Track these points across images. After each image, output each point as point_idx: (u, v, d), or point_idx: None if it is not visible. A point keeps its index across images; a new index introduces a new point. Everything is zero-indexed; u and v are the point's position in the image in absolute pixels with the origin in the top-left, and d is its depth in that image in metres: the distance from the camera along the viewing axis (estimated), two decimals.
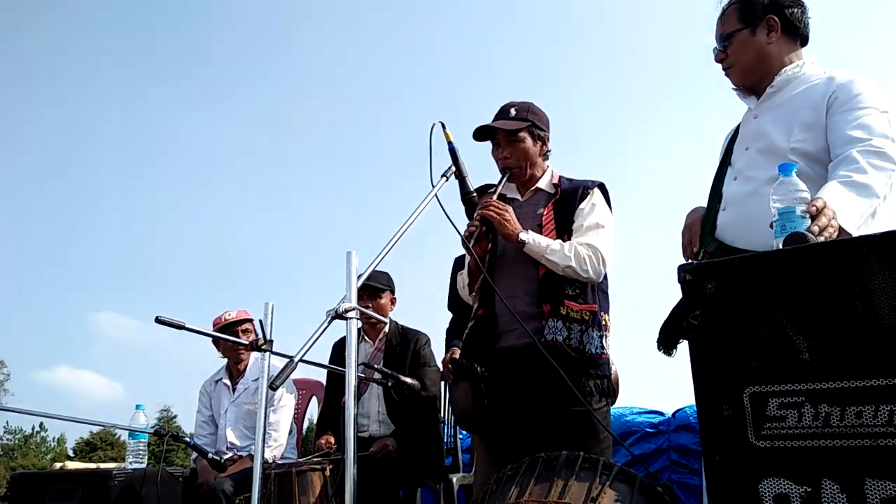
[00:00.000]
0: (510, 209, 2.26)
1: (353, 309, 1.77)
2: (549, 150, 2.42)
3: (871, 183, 1.55)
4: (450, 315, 3.19)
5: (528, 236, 2.20)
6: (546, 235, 2.25)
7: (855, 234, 1.47)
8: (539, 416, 2.14)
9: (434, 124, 2.04)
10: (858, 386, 1.06)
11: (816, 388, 1.09)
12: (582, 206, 2.28)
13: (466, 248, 2.19)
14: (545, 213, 2.30)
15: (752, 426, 1.14)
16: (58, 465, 3.13)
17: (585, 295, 2.22)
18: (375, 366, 2.57)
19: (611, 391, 2.23)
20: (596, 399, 2.16)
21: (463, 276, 2.42)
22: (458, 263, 3.26)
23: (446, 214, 2.12)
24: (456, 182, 2.12)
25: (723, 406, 1.16)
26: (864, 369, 1.06)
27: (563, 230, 2.26)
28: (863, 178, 1.55)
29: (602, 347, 2.21)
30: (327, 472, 2.55)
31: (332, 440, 3.16)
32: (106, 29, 57.95)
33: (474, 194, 2.12)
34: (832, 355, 1.09)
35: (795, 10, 1.88)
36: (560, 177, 2.42)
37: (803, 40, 1.91)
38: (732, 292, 1.18)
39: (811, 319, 1.11)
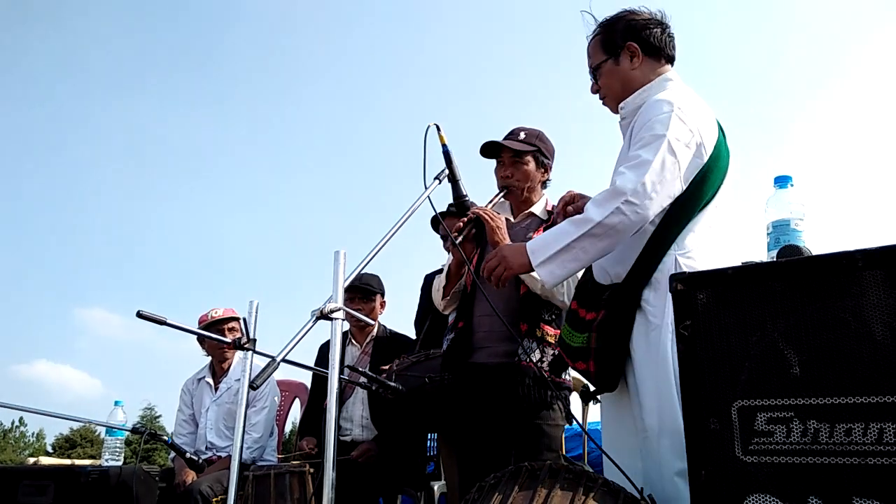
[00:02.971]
0: (504, 219, 2.31)
1: (339, 309, 1.74)
2: (549, 180, 2.49)
3: (585, 216, 1.62)
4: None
5: None
6: None
7: (535, 259, 1.66)
8: (502, 428, 2.22)
9: (429, 126, 2.03)
10: (848, 403, 1.04)
11: (806, 404, 1.08)
12: None
13: (452, 244, 2.21)
14: (535, 237, 2.34)
15: (740, 440, 1.12)
16: (31, 459, 3.07)
17: (560, 321, 2.28)
18: (360, 369, 2.53)
19: (569, 415, 2.33)
20: (560, 417, 2.25)
21: (440, 279, 2.44)
22: (429, 282, 3.26)
23: (438, 216, 2.11)
24: (448, 185, 2.11)
25: (710, 419, 1.14)
26: (855, 386, 1.04)
27: None
28: (582, 214, 1.64)
29: (568, 373, 2.32)
30: (306, 476, 2.51)
31: (314, 444, 3.12)
32: (100, 24, 57.80)
33: (467, 197, 2.11)
34: (823, 371, 1.07)
35: (655, 30, 1.85)
36: (553, 205, 2.47)
37: (669, 59, 1.88)
38: (724, 303, 1.16)
39: (803, 333, 1.09)
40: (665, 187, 1.55)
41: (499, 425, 2.23)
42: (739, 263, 1.54)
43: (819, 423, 1.06)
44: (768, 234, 1.35)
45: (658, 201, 1.56)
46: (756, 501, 1.09)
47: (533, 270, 1.71)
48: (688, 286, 1.19)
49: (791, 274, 1.12)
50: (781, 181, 1.39)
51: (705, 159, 1.61)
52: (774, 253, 1.28)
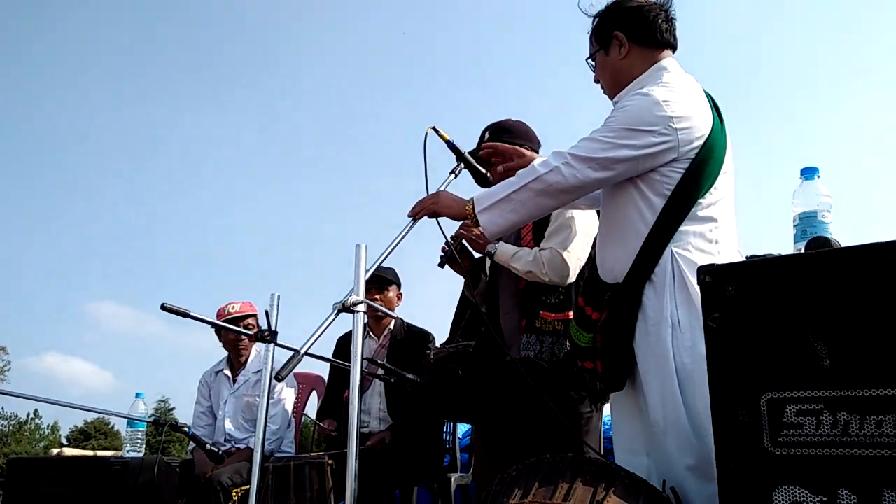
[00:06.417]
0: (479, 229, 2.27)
1: (361, 302, 1.75)
2: None
3: (530, 168, 1.69)
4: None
5: (495, 247, 2.23)
6: (524, 245, 2.28)
7: (479, 206, 1.74)
8: (534, 420, 2.18)
9: (427, 132, 1.99)
10: (880, 395, 1.04)
11: (836, 396, 1.07)
12: (553, 213, 2.31)
13: (450, 264, 2.28)
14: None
15: (769, 432, 1.12)
16: (55, 451, 3.11)
17: (568, 301, 2.22)
18: (379, 361, 2.55)
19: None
20: (585, 405, 2.19)
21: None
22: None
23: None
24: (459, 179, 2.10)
25: (739, 411, 1.14)
26: (886, 378, 1.04)
27: (539, 239, 2.29)
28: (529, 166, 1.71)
29: None
30: (326, 468, 2.53)
31: (335, 425, 3.15)
32: (113, 19, 58.06)
33: (489, 175, 2.11)
34: (853, 363, 1.06)
35: (646, 16, 1.74)
36: None
37: (666, 45, 1.76)
38: (753, 295, 1.16)
39: (833, 325, 1.09)
40: (613, 164, 1.59)
41: (532, 416, 2.18)
42: (742, 253, 1.54)
43: (849, 415, 1.06)
44: (795, 225, 1.35)
45: (600, 174, 1.60)
46: (785, 493, 1.09)
47: (462, 218, 1.84)
48: (716, 278, 1.19)
49: (821, 266, 1.11)
50: (808, 172, 1.38)
51: (697, 151, 1.57)
52: (801, 245, 1.28)
